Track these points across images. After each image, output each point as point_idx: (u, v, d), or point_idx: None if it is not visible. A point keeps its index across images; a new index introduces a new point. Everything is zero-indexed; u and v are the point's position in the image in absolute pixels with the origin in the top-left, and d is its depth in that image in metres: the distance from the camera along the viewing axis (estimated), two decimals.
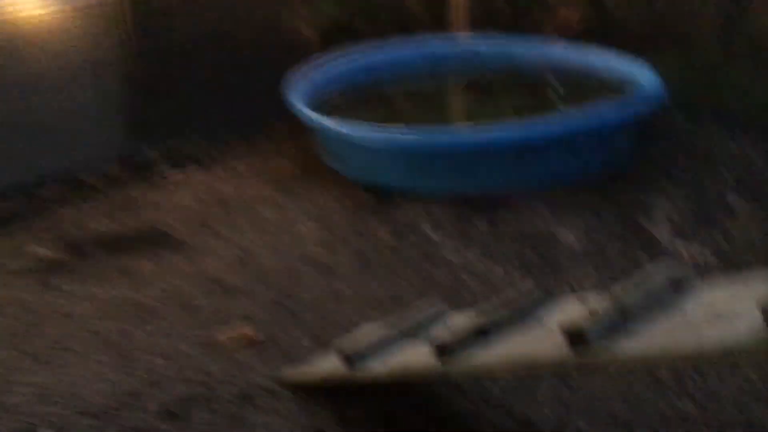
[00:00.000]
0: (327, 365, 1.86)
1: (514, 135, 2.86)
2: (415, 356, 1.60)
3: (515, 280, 2.40)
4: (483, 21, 4.71)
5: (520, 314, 1.57)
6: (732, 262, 2.42)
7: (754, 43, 4.51)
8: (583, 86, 3.83)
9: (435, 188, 2.98)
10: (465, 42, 4.17)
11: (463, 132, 2.89)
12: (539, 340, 1.37)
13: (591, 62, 3.81)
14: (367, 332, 1.90)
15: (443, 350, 1.45)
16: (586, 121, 2.90)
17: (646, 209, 2.75)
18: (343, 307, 2.34)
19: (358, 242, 2.69)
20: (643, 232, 2.64)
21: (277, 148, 3.55)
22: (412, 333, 1.81)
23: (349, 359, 1.74)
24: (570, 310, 1.45)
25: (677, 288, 1.37)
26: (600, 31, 4.78)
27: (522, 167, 2.95)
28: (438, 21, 4.85)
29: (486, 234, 2.68)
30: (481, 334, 1.51)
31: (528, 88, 3.99)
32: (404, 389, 1.83)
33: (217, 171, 3.38)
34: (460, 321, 1.63)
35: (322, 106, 3.60)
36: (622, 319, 1.28)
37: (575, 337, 1.23)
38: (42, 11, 3.36)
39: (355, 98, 3.90)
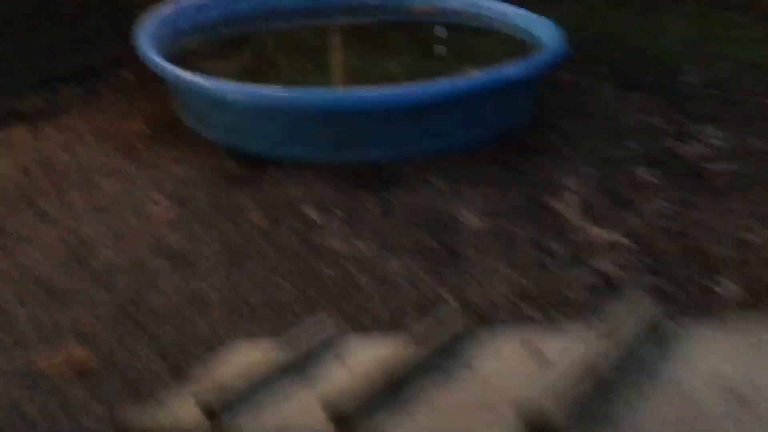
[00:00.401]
0: (183, 415, 1.41)
1: (407, 96, 2.45)
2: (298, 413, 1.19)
3: (414, 274, 2.03)
4: None
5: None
6: (646, 246, 2.16)
7: None
8: (474, 37, 3.48)
9: (316, 157, 2.54)
10: None
11: (347, 92, 2.45)
12: None
13: (483, 11, 3.45)
14: (238, 363, 1.46)
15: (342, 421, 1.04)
16: (485, 80, 2.53)
17: (552, 184, 2.44)
18: (206, 316, 1.88)
19: (225, 226, 2.22)
20: (552, 212, 2.33)
21: (124, 102, 2.97)
22: (297, 367, 1.39)
23: (211, 411, 1.30)
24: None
25: (658, 340, 1.02)
26: None
27: (415, 133, 2.56)
28: None
29: (378, 215, 2.28)
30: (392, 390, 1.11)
31: (413, 38, 3.59)
32: None
33: (47, 130, 2.76)
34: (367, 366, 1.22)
35: (179, 52, 3.05)
36: (599, 396, 0.92)
37: None
38: None
39: (219, 43, 3.35)
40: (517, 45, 3.28)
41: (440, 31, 3.59)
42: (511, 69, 2.56)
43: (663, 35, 3.82)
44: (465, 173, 2.52)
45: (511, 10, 3.35)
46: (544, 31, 3.08)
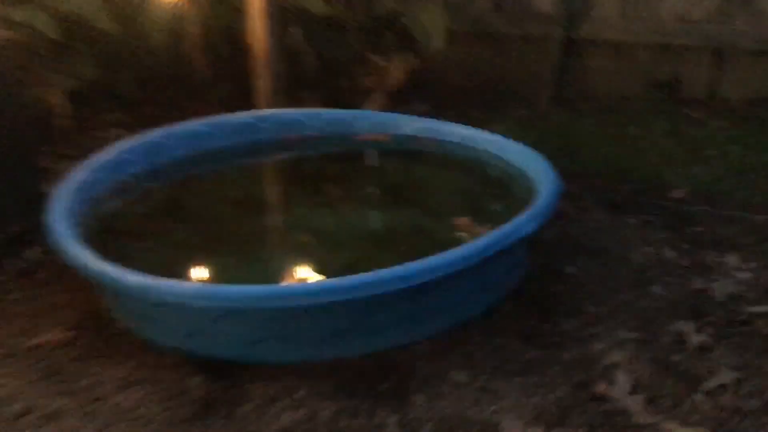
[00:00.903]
0: None
1: (407, 277, 1.98)
2: None
3: None
4: (291, 81, 3.82)
5: None
6: None
7: (588, 94, 4.12)
8: (438, 167, 3.10)
9: (303, 356, 2.03)
10: (288, 118, 3.22)
11: (338, 281, 1.96)
12: None
13: (444, 137, 3.08)
14: None
15: None
16: (500, 241, 2.11)
17: (592, 360, 2.04)
18: None
19: None
20: (609, 404, 1.90)
21: (36, 298, 2.35)
22: None
23: None
24: None
25: None
26: (421, 87, 4.13)
27: (420, 314, 2.10)
28: (236, 86, 3.86)
29: None
30: None
31: (365, 172, 3.17)
32: None
33: None
34: None
35: (100, 226, 2.48)
36: None
37: None
38: None
39: (147, 204, 2.80)
40: (488, 175, 2.92)
41: (396, 161, 3.19)
42: (525, 223, 2.16)
43: (626, 142, 3.58)
44: (486, 357, 2.07)
45: (476, 134, 2.99)
46: (522, 158, 2.73)
